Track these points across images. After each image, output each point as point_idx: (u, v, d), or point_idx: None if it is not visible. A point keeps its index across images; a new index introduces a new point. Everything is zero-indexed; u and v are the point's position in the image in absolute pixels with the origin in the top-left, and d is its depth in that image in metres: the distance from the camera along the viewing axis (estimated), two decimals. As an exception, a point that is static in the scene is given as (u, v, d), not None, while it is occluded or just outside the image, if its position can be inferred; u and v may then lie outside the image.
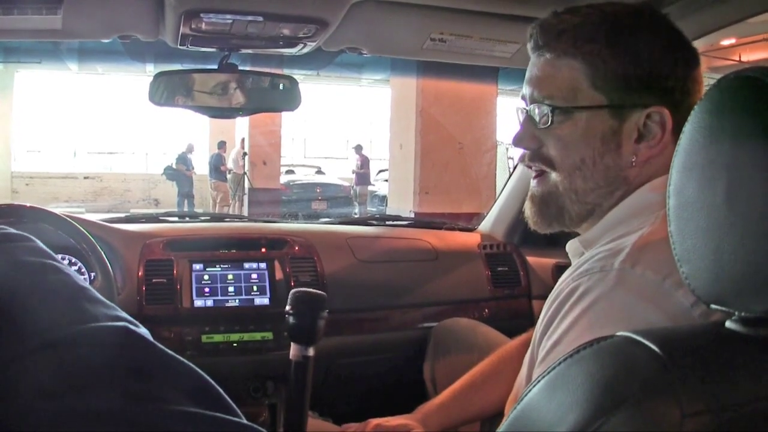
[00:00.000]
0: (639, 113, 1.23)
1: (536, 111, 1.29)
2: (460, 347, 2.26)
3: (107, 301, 0.69)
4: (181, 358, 0.66)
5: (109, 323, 0.66)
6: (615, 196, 1.27)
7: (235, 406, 0.66)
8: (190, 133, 21.86)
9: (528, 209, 1.38)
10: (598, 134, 1.25)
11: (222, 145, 17.83)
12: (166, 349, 0.66)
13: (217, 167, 17.36)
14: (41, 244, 0.74)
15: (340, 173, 21.24)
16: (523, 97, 1.34)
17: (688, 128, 0.78)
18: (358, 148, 18.53)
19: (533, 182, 1.35)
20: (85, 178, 21.77)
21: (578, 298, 1.12)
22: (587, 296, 1.11)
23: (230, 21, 1.75)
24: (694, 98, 1.25)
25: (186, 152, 18.65)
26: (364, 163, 18.10)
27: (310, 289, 1.64)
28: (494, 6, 1.84)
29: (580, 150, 1.26)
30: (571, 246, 1.37)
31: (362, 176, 18.07)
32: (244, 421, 0.65)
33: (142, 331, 0.68)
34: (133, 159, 24.60)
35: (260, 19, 1.75)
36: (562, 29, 1.27)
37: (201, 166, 19.66)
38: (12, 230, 0.74)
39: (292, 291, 1.61)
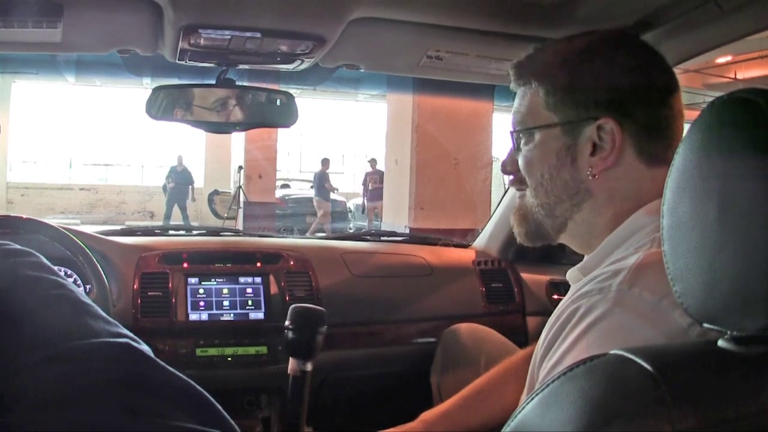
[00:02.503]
0: (590, 127, 1.28)
1: (511, 137, 1.40)
2: (469, 352, 2.26)
3: (109, 317, 0.70)
4: (182, 375, 0.67)
5: (111, 339, 0.66)
6: (583, 209, 1.33)
7: (234, 423, 0.67)
8: (186, 146, 21.89)
9: (513, 225, 1.52)
10: (553, 151, 1.33)
11: (325, 162, 17.97)
12: (167, 366, 0.67)
13: (322, 185, 17.49)
14: (44, 260, 0.75)
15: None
16: None
17: (681, 148, 0.79)
18: (373, 162, 18.34)
19: (517, 200, 1.48)
20: (80, 189, 21.73)
21: (578, 319, 1.13)
22: (586, 317, 1.12)
23: (228, 37, 1.76)
24: (654, 108, 1.30)
25: (176, 166, 18.75)
26: (381, 177, 17.81)
27: (310, 305, 1.65)
28: (490, 25, 1.85)
29: (539, 167, 1.36)
30: (571, 274, 1.38)
31: (378, 191, 17.72)
32: None
33: (144, 347, 0.68)
34: (129, 171, 24.59)
35: (258, 35, 1.76)
36: (526, 62, 1.40)
37: (196, 179, 19.68)
38: (16, 245, 0.75)
39: (292, 306, 1.63)
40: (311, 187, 21.14)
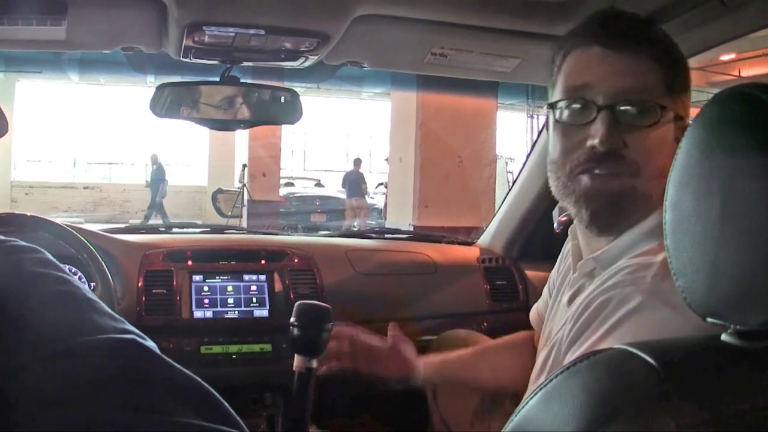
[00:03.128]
0: (681, 123, 1.28)
1: (620, 109, 1.25)
2: None
3: (115, 314, 0.70)
4: (188, 372, 0.67)
5: (118, 335, 0.66)
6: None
7: (241, 421, 0.67)
8: (190, 144, 21.92)
9: (592, 207, 1.30)
10: (670, 140, 1.26)
11: (358, 162, 18.13)
12: (174, 363, 0.67)
13: (358, 185, 17.59)
14: (50, 256, 0.75)
15: (338, 186, 21.23)
16: (579, 89, 1.31)
17: (684, 143, 0.79)
18: None
19: (598, 180, 1.28)
20: (84, 188, 21.79)
21: (612, 310, 1.14)
22: (621, 308, 1.13)
23: (233, 34, 1.76)
24: None
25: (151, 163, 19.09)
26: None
27: (316, 302, 1.65)
28: (495, 21, 1.85)
29: (660, 155, 1.25)
30: (585, 265, 1.36)
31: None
32: None
33: (150, 344, 0.68)
34: (133, 169, 24.60)
35: (262, 32, 1.76)
36: (642, 31, 1.29)
37: (199, 177, 19.70)
38: (21, 242, 0.75)
39: (298, 303, 1.62)
40: (315, 185, 21.17)
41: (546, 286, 1.77)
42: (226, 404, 0.67)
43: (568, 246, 1.58)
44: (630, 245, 1.26)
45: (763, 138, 0.70)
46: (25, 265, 0.72)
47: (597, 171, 1.27)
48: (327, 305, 1.65)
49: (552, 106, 1.36)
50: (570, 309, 1.32)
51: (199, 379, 0.67)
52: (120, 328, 0.68)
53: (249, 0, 1.67)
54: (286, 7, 1.71)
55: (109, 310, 0.70)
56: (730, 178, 0.72)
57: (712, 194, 0.73)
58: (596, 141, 1.25)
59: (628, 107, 1.25)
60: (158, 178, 18.83)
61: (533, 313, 1.84)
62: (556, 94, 1.36)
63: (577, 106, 1.31)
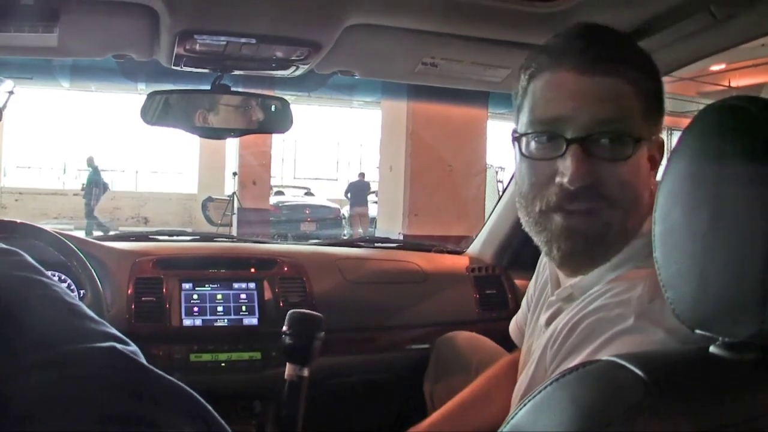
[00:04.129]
0: (656, 148, 1.23)
1: (592, 142, 1.16)
2: (462, 360, 2.25)
3: (95, 316, 0.69)
4: (173, 379, 0.66)
5: (98, 344, 0.65)
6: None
7: (226, 426, 0.66)
8: (180, 151, 21.88)
9: (565, 247, 1.23)
10: (644, 168, 1.19)
11: (362, 174, 18.56)
12: (157, 370, 0.66)
13: (364, 194, 17.98)
14: (29, 259, 0.74)
15: (328, 195, 21.22)
16: (547, 122, 1.21)
17: (674, 155, 0.79)
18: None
19: (572, 218, 1.20)
20: (74, 194, 21.69)
21: (600, 331, 1.10)
22: (609, 329, 1.09)
23: (224, 43, 1.76)
24: None
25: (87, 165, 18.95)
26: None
27: (307, 311, 1.66)
28: (485, 31, 1.85)
29: (636, 186, 1.18)
30: (563, 291, 1.30)
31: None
32: None
33: (132, 349, 0.67)
34: (123, 177, 24.56)
35: (254, 41, 1.76)
36: (620, 50, 1.21)
37: (189, 185, 19.62)
38: (0, 244, 0.75)
39: (290, 312, 1.63)
40: (305, 194, 21.16)
41: (524, 299, 1.72)
42: (211, 408, 0.66)
43: (545, 259, 1.52)
44: (608, 270, 1.21)
45: (751, 149, 0.70)
46: (4, 269, 0.71)
47: (570, 208, 1.19)
48: (319, 314, 1.66)
49: (517, 138, 1.28)
50: (548, 331, 1.27)
51: (182, 384, 0.67)
52: (101, 331, 0.67)
53: (240, 9, 1.67)
54: (277, 16, 1.71)
55: (90, 312, 0.70)
56: (720, 189, 0.72)
57: (701, 206, 0.73)
58: (566, 179, 1.17)
59: (601, 139, 1.16)
60: (93, 182, 18.54)
61: (513, 327, 1.80)
62: (521, 124, 1.27)
63: (544, 138, 1.22)
